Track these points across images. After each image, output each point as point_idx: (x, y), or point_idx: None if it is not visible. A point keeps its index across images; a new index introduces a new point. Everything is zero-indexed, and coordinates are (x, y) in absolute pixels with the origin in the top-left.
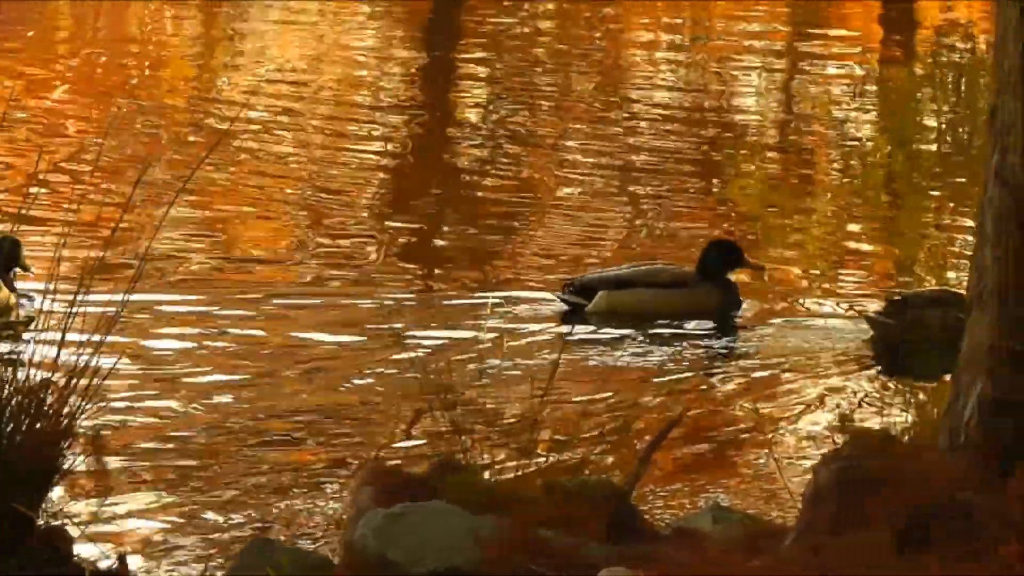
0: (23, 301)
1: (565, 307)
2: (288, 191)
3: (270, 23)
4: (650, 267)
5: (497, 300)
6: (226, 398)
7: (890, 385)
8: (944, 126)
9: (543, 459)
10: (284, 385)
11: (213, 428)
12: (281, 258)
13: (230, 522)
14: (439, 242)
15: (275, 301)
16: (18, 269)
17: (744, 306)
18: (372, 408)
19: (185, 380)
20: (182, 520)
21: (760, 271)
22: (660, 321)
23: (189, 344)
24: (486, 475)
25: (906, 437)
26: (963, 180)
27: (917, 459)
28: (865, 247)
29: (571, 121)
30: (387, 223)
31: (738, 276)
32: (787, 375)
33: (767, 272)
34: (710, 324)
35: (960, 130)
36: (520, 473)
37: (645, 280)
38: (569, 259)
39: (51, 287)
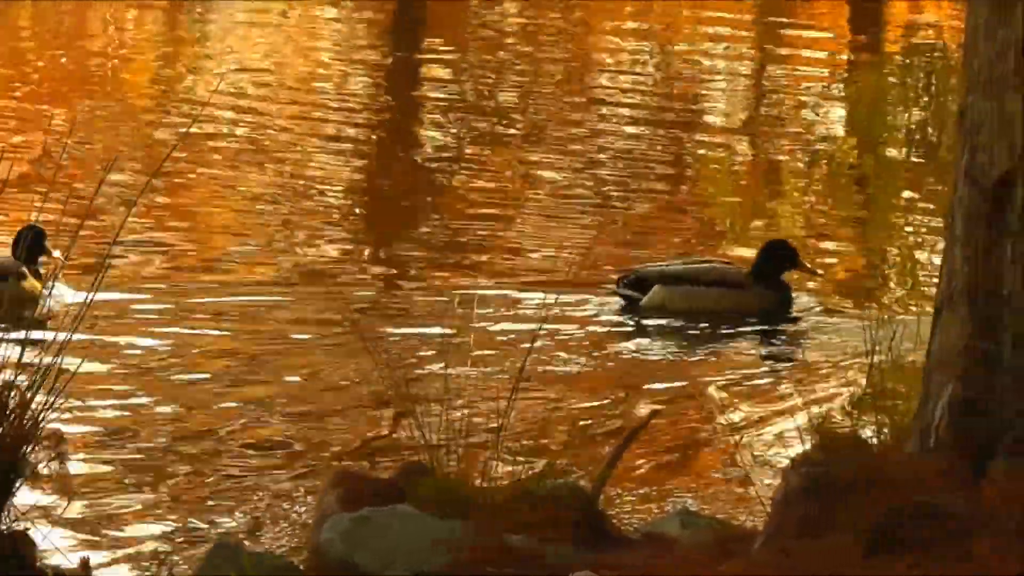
0: (52, 290)
1: (621, 301)
2: (255, 190)
3: (234, 23)
4: (707, 265)
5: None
6: (192, 401)
7: (862, 386)
8: (913, 126)
9: (511, 463)
10: (250, 387)
11: (178, 431)
12: (248, 258)
13: (195, 525)
14: (407, 241)
15: (242, 300)
16: (43, 258)
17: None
18: (339, 410)
19: (151, 381)
20: (146, 523)
21: (814, 275)
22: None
23: (156, 343)
24: (453, 479)
25: (876, 439)
26: (932, 180)
27: (887, 461)
28: (833, 247)
29: (538, 121)
30: (354, 222)
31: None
32: (761, 376)
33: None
34: (703, 324)
35: (929, 130)
36: (488, 477)
37: (701, 278)
38: (539, 257)
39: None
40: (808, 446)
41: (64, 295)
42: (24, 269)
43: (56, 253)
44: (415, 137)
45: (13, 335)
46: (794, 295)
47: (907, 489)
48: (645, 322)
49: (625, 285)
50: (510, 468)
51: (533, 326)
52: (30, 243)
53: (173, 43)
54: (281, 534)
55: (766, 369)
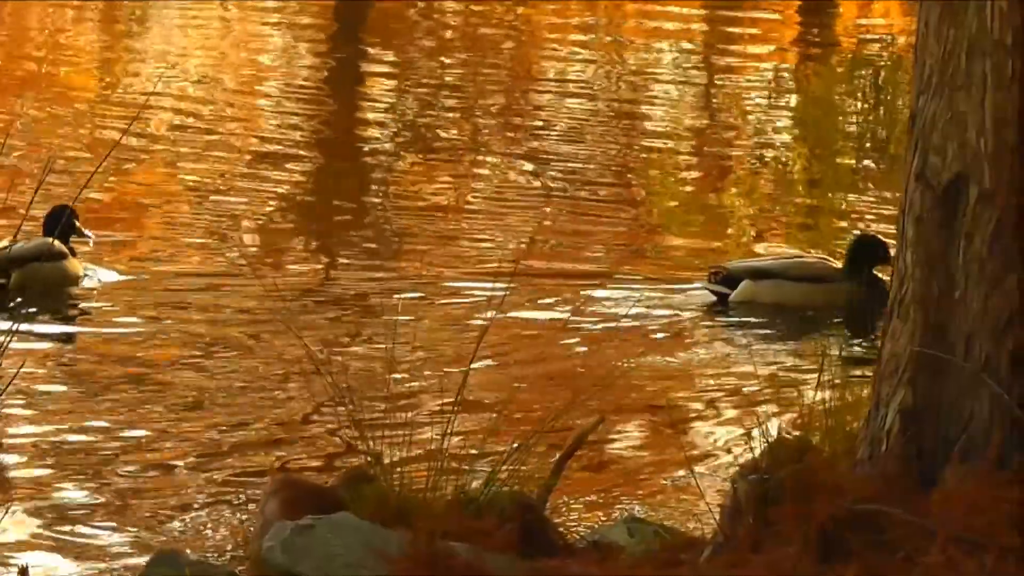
0: (88, 271)
1: (711, 296)
2: (195, 186)
3: (173, 23)
4: (798, 260)
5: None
6: (129, 405)
7: (814, 392)
8: (862, 128)
9: (455, 470)
10: (188, 391)
11: (116, 436)
12: (189, 252)
13: (136, 533)
14: (348, 240)
15: (179, 300)
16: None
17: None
18: (281, 417)
19: (86, 386)
20: (86, 532)
21: None
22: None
23: (94, 338)
24: (396, 487)
25: (826, 446)
26: (882, 183)
27: (836, 470)
28: (782, 249)
29: (481, 120)
30: (297, 221)
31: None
32: (710, 380)
33: None
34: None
35: (879, 131)
36: (430, 485)
37: (791, 272)
38: (480, 257)
39: None
40: (757, 453)
41: (101, 275)
42: (66, 249)
43: (88, 233)
44: (357, 134)
45: None
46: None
47: (856, 497)
48: (591, 325)
49: (716, 281)
50: (454, 476)
51: (481, 321)
52: (63, 223)
53: (111, 42)
54: (223, 542)
55: (732, 376)
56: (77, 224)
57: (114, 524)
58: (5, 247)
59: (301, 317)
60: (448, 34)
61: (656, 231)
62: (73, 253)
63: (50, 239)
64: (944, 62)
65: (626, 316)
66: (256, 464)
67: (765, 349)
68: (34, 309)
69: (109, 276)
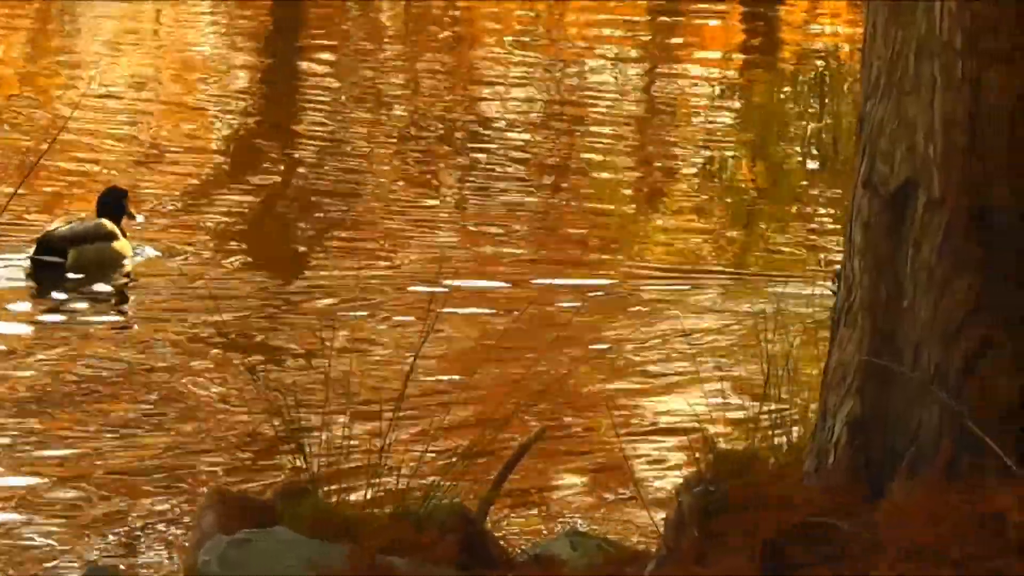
0: (137, 250)
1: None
2: (133, 189)
3: (108, 21)
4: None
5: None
6: (59, 415)
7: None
8: (808, 133)
9: (394, 482)
10: (122, 402)
11: (46, 447)
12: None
13: (68, 548)
14: (286, 241)
15: (117, 307)
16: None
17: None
18: (216, 428)
19: (19, 397)
20: (16, 545)
21: None
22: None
23: (15, 348)
24: (333, 500)
25: (771, 458)
26: (827, 188)
27: (783, 481)
28: (729, 253)
29: (419, 121)
30: (234, 221)
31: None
32: (652, 387)
33: None
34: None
35: (824, 136)
36: (369, 497)
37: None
38: (420, 258)
39: None
40: (702, 465)
41: (150, 256)
42: (117, 230)
43: (139, 217)
44: (294, 134)
45: None
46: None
47: (803, 510)
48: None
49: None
50: (392, 488)
51: (421, 325)
52: (114, 205)
53: (44, 42)
54: (157, 557)
55: (677, 385)
56: (127, 206)
57: (48, 536)
58: (58, 227)
59: (238, 324)
60: (387, 33)
61: (593, 232)
62: (124, 234)
63: (104, 220)
64: (892, 64)
65: (578, 313)
66: (191, 477)
67: (710, 356)
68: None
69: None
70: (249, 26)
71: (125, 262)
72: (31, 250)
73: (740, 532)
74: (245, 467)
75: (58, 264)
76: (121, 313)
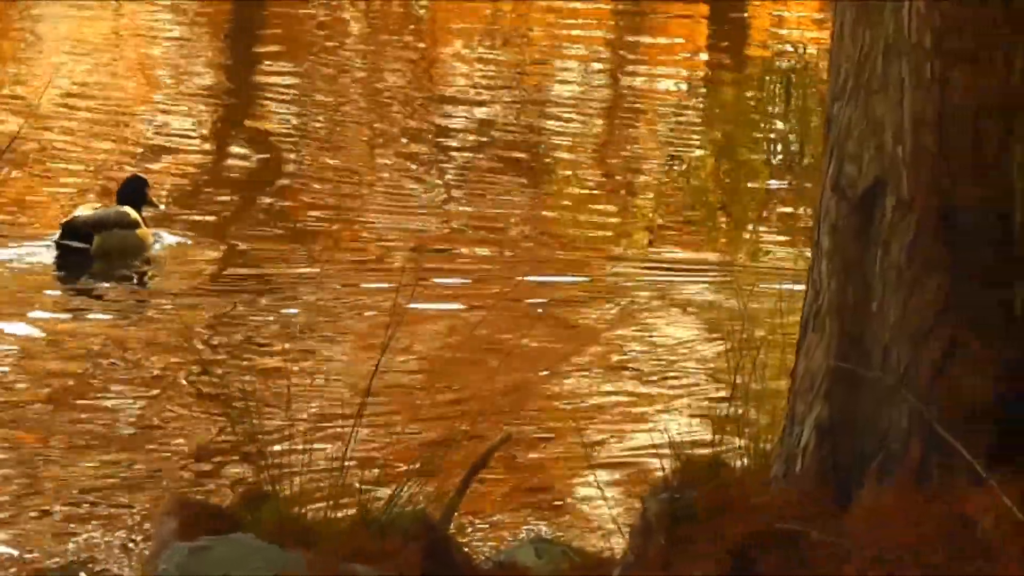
0: (157, 236)
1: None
2: (89, 184)
3: (66, 19)
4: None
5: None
6: (17, 417)
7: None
8: (774, 135)
9: (357, 488)
10: (81, 402)
11: (3, 451)
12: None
13: (26, 554)
14: (245, 239)
15: (73, 304)
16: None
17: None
18: (175, 431)
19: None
20: None
21: None
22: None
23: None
24: (295, 506)
25: (740, 463)
26: (794, 190)
27: (750, 487)
28: (693, 256)
29: (382, 122)
30: (192, 220)
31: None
32: (620, 390)
33: None
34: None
35: (791, 138)
36: (331, 504)
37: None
38: (382, 260)
39: None
40: (668, 471)
41: (170, 242)
42: (140, 218)
43: (160, 206)
44: (253, 132)
45: None
46: None
47: (770, 516)
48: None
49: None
50: (355, 494)
51: (386, 320)
52: (135, 193)
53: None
54: (116, 564)
55: (645, 387)
56: (148, 194)
57: (5, 541)
58: (83, 213)
59: (210, 324)
60: (349, 33)
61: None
62: (146, 222)
63: (127, 207)
64: (860, 65)
65: (549, 311)
66: (151, 483)
67: (676, 357)
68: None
69: (177, 242)
70: (210, 18)
71: (148, 249)
72: (56, 235)
73: (707, 539)
74: (205, 473)
75: (83, 249)
76: (120, 306)
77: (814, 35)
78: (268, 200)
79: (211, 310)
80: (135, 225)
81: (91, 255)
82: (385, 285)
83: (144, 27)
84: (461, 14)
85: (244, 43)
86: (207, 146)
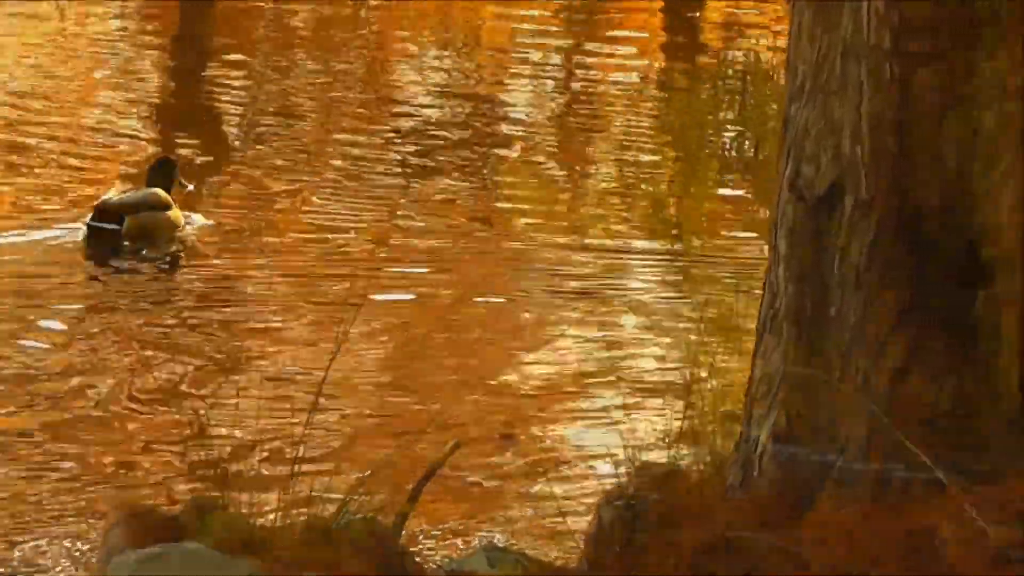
0: (187, 220)
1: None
2: (35, 184)
3: (7, 20)
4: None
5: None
6: None
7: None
8: (729, 136)
9: (308, 496)
10: (25, 407)
11: None
12: (26, 251)
13: None
14: (207, 245)
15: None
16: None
17: None
18: (126, 438)
19: None
20: None
21: None
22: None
23: None
24: (245, 513)
25: (695, 470)
26: (748, 194)
27: (706, 495)
28: (647, 261)
29: (332, 125)
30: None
31: None
32: (576, 395)
33: None
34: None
35: (747, 141)
36: (281, 512)
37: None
38: (347, 254)
39: None
40: (623, 478)
41: (199, 223)
42: (170, 199)
43: (189, 186)
44: (203, 134)
45: None
46: None
47: (725, 525)
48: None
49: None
50: (307, 501)
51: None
52: (164, 174)
53: None
54: (63, 572)
55: (597, 391)
56: (177, 175)
57: None
58: (114, 195)
59: (170, 326)
60: (298, 33)
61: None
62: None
63: (157, 188)
64: (818, 67)
65: (506, 309)
66: (100, 489)
67: (632, 358)
68: None
69: (205, 223)
70: (158, 21)
71: (180, 229)
72: (88, 216)
73: (662, 547)
74: (155, 479)
75: (114, 231)
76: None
77: (775, 28)
78: (216, 203)
79: (166, 313)
80: (166, 207)
81: (122, 236)
82: (339, 287)
83: (88, 27)
84: (412, 13)
85: (192, 43)
86: (152, 149)
